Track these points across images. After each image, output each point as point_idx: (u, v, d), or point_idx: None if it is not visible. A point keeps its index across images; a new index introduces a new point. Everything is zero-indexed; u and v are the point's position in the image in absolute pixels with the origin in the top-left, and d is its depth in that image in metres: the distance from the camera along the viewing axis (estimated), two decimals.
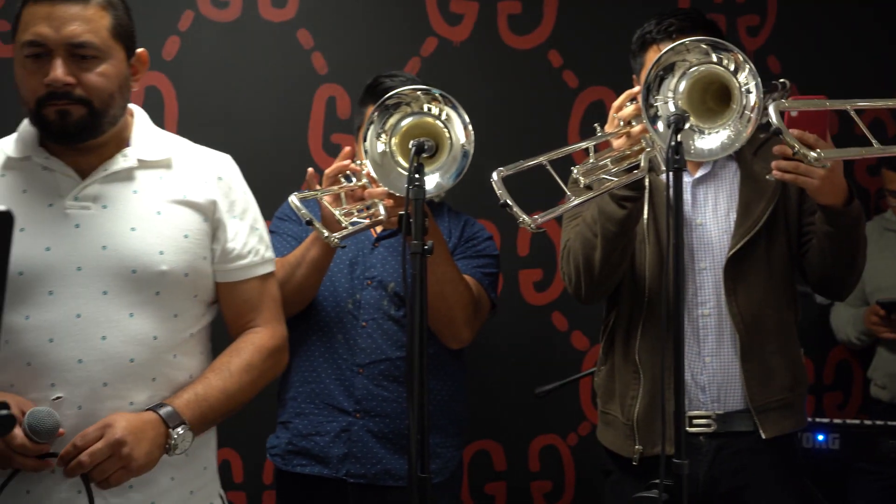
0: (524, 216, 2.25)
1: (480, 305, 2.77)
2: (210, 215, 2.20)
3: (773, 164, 2.29)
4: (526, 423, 3.66)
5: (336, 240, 2.41)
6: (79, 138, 2.08)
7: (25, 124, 2.16)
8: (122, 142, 2.17)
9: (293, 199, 2.44)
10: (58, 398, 1.99)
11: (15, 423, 1.40)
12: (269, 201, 3.04)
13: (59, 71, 2.01)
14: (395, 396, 2.69)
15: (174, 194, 2.17)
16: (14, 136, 2.17)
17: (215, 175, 2.24)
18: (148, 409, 2.04)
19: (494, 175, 2.28)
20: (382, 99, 2.33)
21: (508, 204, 2.25)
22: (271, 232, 2.81)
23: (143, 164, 2.16)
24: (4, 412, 1.38)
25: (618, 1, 3.67)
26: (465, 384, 2.88)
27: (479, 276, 2.79)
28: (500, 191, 2.26)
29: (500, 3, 3.65)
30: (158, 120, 3.39)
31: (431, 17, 3.61)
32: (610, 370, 2.65)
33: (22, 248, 1.99)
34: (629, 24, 2.77)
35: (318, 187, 2.55)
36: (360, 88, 2.93)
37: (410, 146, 2.21)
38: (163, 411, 2.03)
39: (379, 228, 2.71)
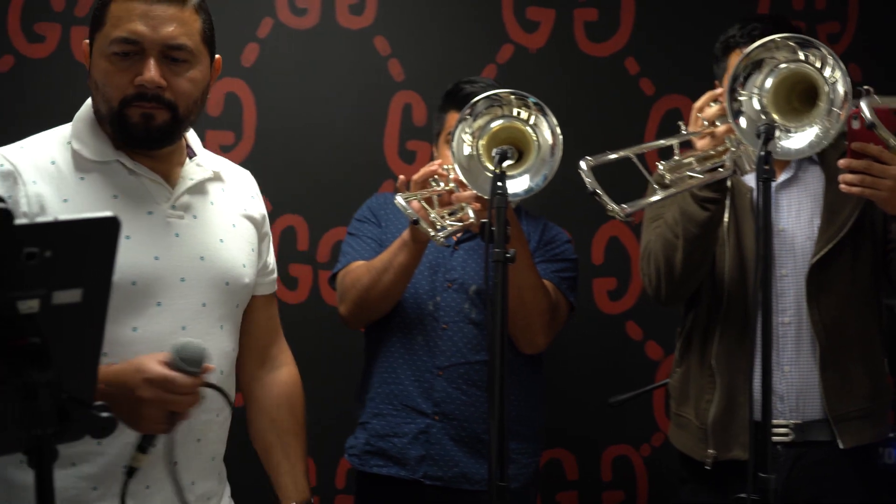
0: (613, 204, 2.26)
1: (558, 311, 2.75)
2: (260, 230, 2.19)
3: (840, 177, 2.25)
4: (599, 432, 3.63)
5: (441, 238, 2.42)
6: (159, 143, 1.98)
7: (82, 121, 2.02)
8: (182, 150, 2.08)
9: (399, 199, 2.44)
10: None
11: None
12: (345, 207, 3.08)
13: (153, 72, 1.90)
14: (473, 400, 2.69)
15: (238, 208, 2.14)
16: (69, 132, 2.01)
17: (255, 190, 2.23)
18: None
19: (582, 164, 2.28)
20: (475, 99, 2.34)
21: (598, 192, 2.25)
22: (350, 234, 2.83)
23: (214, 176, 2.12)
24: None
25: (695, 8, 3.64)
26: (543, 392, 2.87)
27: (556, 280, 2.77)
28: (588, 179, 2.26)
29: (577, 10, 3.64)
30: (237, 126, 3.49)
31: (508, 25, 3.61)
32: (685, 373, 2.63)
33: (132, 257, 1.88)
34: (706, 31, 2.75)
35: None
36: (436, 96, 2.95)
37: (494, 154, 2.22)
38: None
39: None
